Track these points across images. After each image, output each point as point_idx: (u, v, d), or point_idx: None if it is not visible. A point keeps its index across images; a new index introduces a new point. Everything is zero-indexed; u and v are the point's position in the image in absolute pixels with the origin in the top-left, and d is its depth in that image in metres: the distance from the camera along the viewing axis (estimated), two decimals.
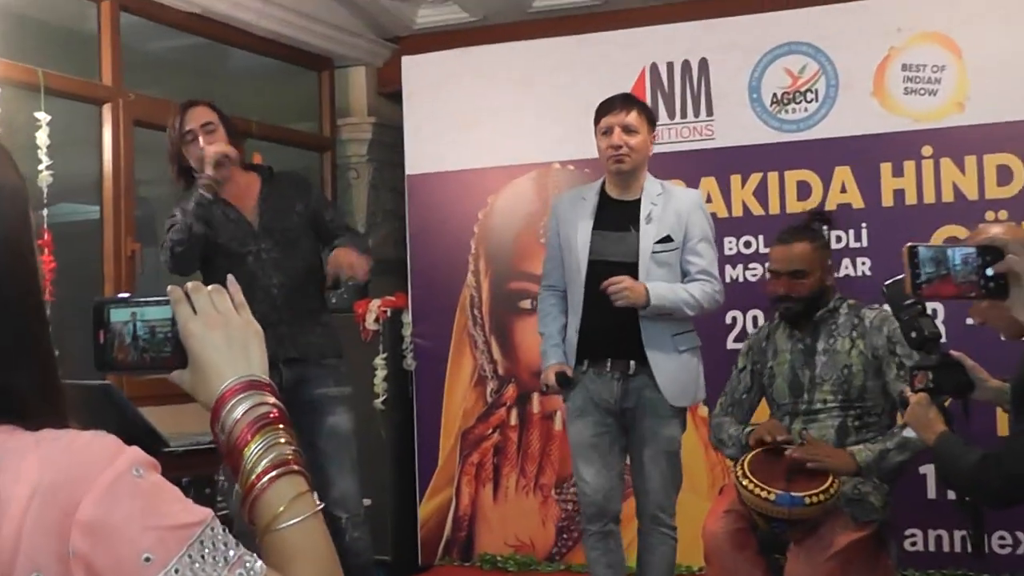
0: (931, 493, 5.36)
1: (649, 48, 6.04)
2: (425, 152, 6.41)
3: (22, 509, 1.13)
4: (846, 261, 5.56)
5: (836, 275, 5.25)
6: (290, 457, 1.35)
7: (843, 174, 5.64)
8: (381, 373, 6.30)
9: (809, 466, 4.07)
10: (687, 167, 5.85)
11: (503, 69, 6.32)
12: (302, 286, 4.67)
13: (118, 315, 1.43)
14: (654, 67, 6.02)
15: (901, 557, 4.96)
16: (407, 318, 6.39)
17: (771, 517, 4.05)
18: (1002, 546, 5.21)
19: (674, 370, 4.54)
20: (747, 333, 5.44)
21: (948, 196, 5.47)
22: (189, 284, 1.44)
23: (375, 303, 6.33)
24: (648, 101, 5.87)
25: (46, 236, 4.81)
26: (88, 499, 1.15)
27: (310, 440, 4.46)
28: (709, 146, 5.91)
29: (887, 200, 5.57)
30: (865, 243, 5.54)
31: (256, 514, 1.33)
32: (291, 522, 1.32)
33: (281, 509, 1.32)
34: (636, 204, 4.62)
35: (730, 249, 5.77)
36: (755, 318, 5.66)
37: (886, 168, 5.58)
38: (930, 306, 3.83)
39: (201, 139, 4.55)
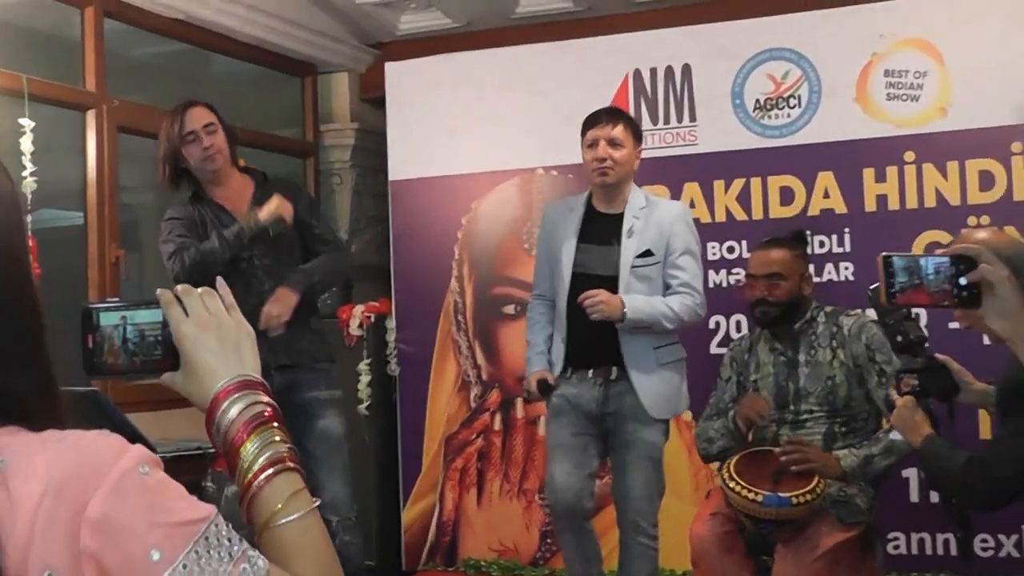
0: (914, 496, 5.39)
1: (632, 54, 6.06)
2: (409, 158, 6.42)
3: (34, 508, 1.15)
4: (829, 266, 5.59)
5: (819, 280, 5.29)
6: (285, 455, 1.38)
7: (826, 180, 5.66)
8: (365, 378, 6.32)
9: (794, 469, 4.09)
10: (670, 173, 5.88)
11: (487, 75, 6.33)
12: None
13: (107, 319, 1.44)
14: (637, 73, 6.04)
15: (884, 560, 4.98)
16: (391, 323, 6.39)
17: (758, 518, 4.06)
18: (984, 549, 5.23)
19: (654, 383, 4.57)
20: (730, 338, 5.47)
21: (931, 201, 5.50)
22: (179, 287, 1.46)
23: (359, 309, 6.34)
24: (631, 107, 5.92)
25: (30, 242, 4.80)
26: (97, 497, 1.16)
27: (300, 443, 4.39)
28: (692, 152, 5.93)
29: (870, 205, 5.60)
30: (848, 248, 5.56)
31: (254, 512, 1.35)
32: (289, 519, 1.34)
33: (279, 506, 1.34)
34: (620, 218, 4.66)
35: (713, 254, 5.79)
36: (738, 323, 5.68)
37: (869, 174, 5.60)
38: (913, 310, 3.84)
39: (204, 139, 4.59)
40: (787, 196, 5.71)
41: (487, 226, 6.28)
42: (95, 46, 5.50)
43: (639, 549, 4.57)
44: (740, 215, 5.80)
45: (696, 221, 5.54)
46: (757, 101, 5.82)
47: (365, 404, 6.29)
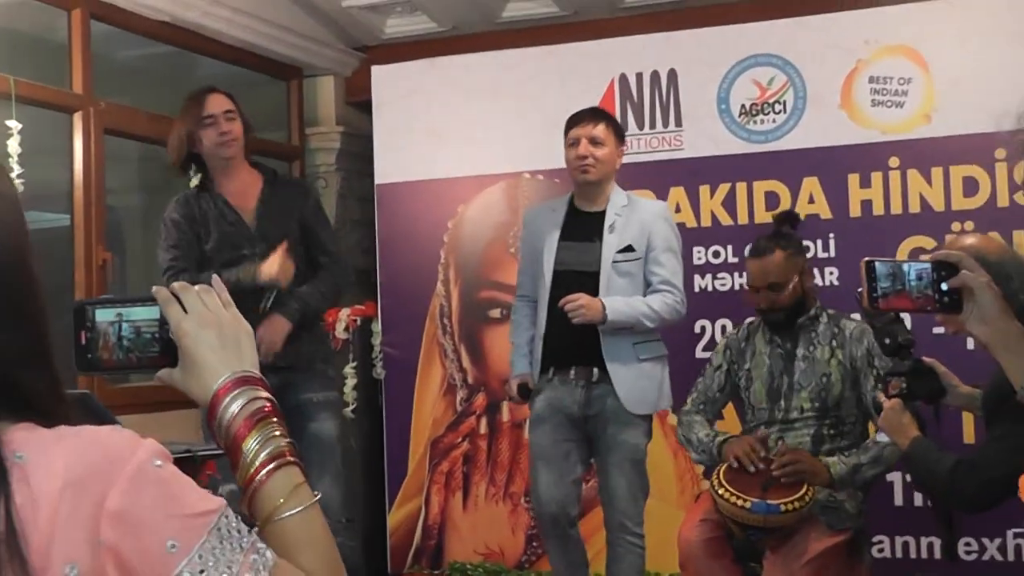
0: (898, 500, 5.41)
1: (618, 59, 6.08)
2: (395, 161, 6.42)
3: (55, 502, 1.17)
4: (814, 271, 5.59)
5: None
6: (285, 449, 1.40)
7: (811, 185, 5.69)
8: (351, 382, 6.32)
9: (783, 481, 4.11)
10: (656, 177, 5.90)
11: (473, 79, 6.34)
12: (290, 294, 4.66)
13: (103, 315, 1.46)
14: (623, 78, 6.06)
15: (872, 564, 5.00)
16: (376, 327, 6.40)
17: (747, 525, 4.08)
18: (968, 552, 5.26)
19: (633, 379, 4.61)
20: (715, 342, 5.47)
21: (915, 207, 5.53)
22: (176, 284, 1.48)
23: (345, 312, 6.34)
24: (617, 111, 5.94)
25: None
26: (115, 490, 1.19)
27: None
28: (678, 156, 5.95)
29: (855, 211, 5.62)
30: (833, 253, 5.59)
31: (257, 505, 1.38)
32: (291, 512, 1.37)
33: (281, 501, 1.37)
34: (602, 215, 4.72)
35: (699, 259, 5.81)
36: (723, 327, 5.69)
37: (854, 179, 5.63)
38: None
39: (223, 124, 4.61)
40: (772, 201, 5.73)
41: (473, 230, 6.29)
42: (82, 48, 5.49)
43: (626, 548, 4.62)
44: (726, 220, 5.82)
45: (682, 226, 5.59)
46: (743, 106, 5.85)
47: (351, 407, 6.29)
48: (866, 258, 2.20)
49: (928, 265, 2.16)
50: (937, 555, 5.31)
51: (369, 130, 6.60)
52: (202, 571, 1.20)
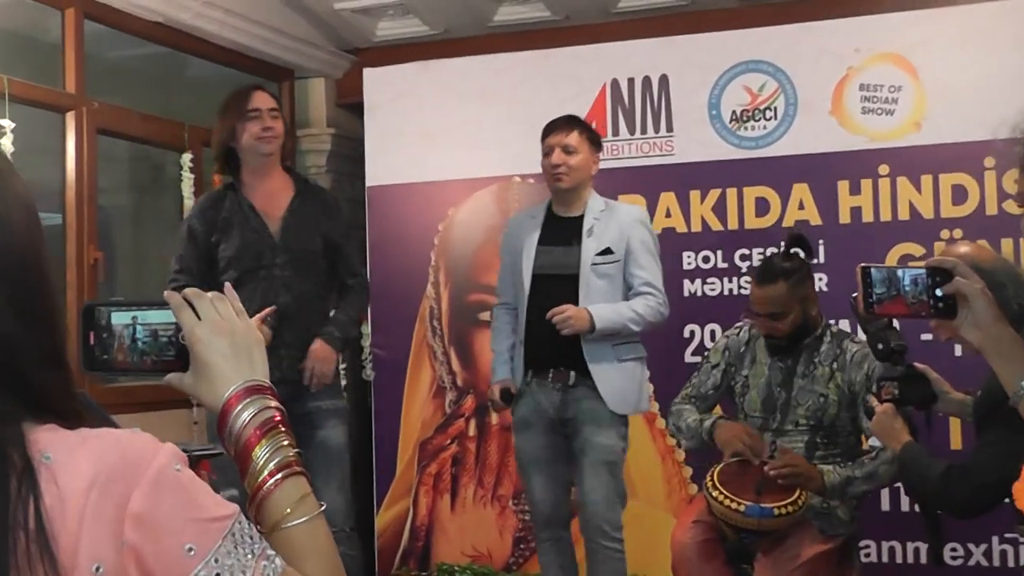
0: (885, 506, 5.44)
1: (610, 64, 6.10)
2: (386, 164, 6.44)
3: (82, 503, 1.19)
4: None
5: None
6: (293, 459, 1.43)
7: (801, 191, 5.71)
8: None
9: (780, 482, 4.12)
10: (647, 182, 5.93)
11: (465, 83, 6.35)
12: (308, 308, 4.66)
13: (118, 318, 1.47)
14: (615, 83, 6.08)
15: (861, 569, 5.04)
16: (366, 329, 6.40)
17: (740, 528, 4.10)
18: (954, 558, 5.29)
19: (616, 378, 4.68)
20: (705, 347, 5.50)
21: (904, 214, 5.56)
22: (189, 291, 1.49)
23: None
24: (609, 116, 5.97)
25: None
26: (138, 492, 1.22)
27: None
28: (669, 161, 5.97)
29: (844, 217, 5.65)
30: (822, 260, 5.59)
31: (264, 513, 1.40)
32: (298, 521, 1.39)
33: (288, 510, 1.39)
34: (580, 219, 4.80)
35: (689, 264, 5.84)
36: (712, 331, 5.71)
37: (843, 186, 5.66)
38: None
39: (267, 120, 4.65)
40: (762, 207, 5.76)
41: (464, 233, 6.31)
42: (75, 48, 5.48)
43: (605, 554, 4.64)
44: (716, 225, 5.85)
45: (672, 230, 5.64)
46: (734, 112, 5.87)
47: None
48: (862, 264, 2.22)
49: (923, 271, 2.19)
50: (923, 560, 5.34)
51: (360, 132, 6.61)
52: (217, 574, 1.23)
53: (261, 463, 1.40)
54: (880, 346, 3.61)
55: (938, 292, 2.16)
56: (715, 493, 4.12)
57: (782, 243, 4.63)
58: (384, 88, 6.51)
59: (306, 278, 4.67)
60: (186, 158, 6.09)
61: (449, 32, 6.81)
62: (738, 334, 4.65)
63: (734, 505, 4.05)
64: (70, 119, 5.47)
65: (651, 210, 5.83)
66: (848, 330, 4.78)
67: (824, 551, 4.16)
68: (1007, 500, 2.74)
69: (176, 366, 1.47)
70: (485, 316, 6.12)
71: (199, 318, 1.46)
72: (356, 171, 6.75)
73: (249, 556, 1.26)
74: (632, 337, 4.73)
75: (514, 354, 4.85)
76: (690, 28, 6.09)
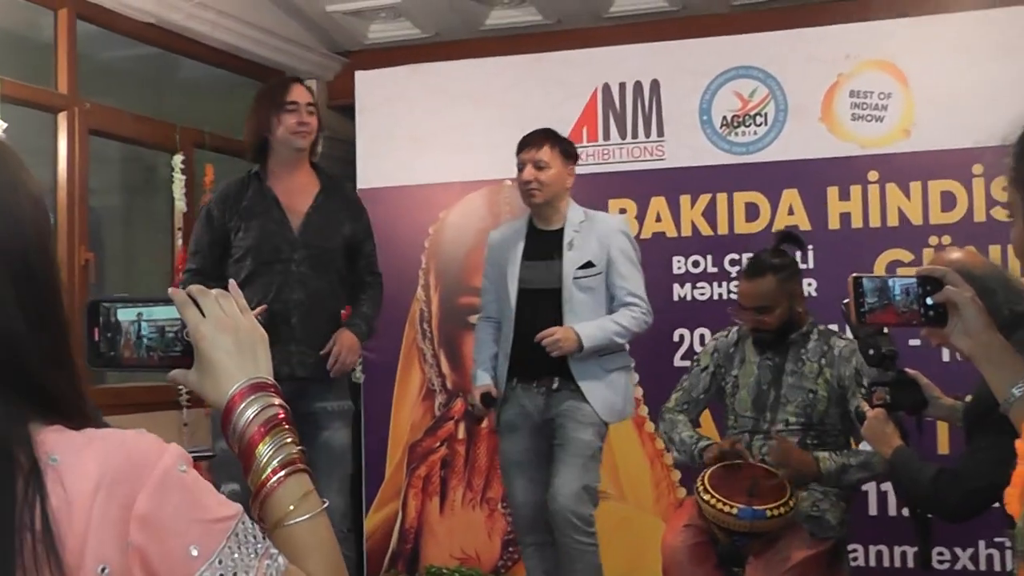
0: (872, 510, 5.46)
1: (601, 68, 6.12)
2: (377, 167, 6.44)
3: (88, 504, 1.20)
4: None
5: None
6: (296, 456, 1.43)
7: (791, 197, 5.74)
8: None
9: (771, 483, 4.15)
10: (637, 187, 5.95)
11: (456, 86, 6.36)
12: (321, 305, 4.64)
13: (124, 314, 1.48)
14: (606, 87, 6.09)
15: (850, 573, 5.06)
16: None
17: (733, 531, 4.12)
18: (941, 562, 5.31)
19: (604, 391, 4.73)
20: (694, 351, 5.52)
21: (893, 220, 5.58)
22: (193, 287, 1.49)
23: None
24: (600, 121, 5.99)
25: None
26: (143, 493, 1.22)
27: None
28: (659, 166, 5.99)
29: (833, 223, 5.67)
30: (811, 265, 5.60)
31: (267, 510, 1.40)
32: (301, 519, 1.40)
33: (291, 507, 1.39)
34: (560, 233, 4.82)
35: (679, 268, 5.86)
36: (702, 336, 5.73)
37: (833, 192, 5.68)
38: None
39: (304, 115, 4.66)
40: (752, 212, 5.78)
41: (454, 236, 6.32)
42: (67, 48, 5.48)
43: (578, 549, 4.62)
44: (706, 230, 5.86)
45: (662, 235, 5.65)
46: (724, 118, 5.89)
47: None
48: (853, 274, 2.24)
49: (913, 280, 2.20)
50: (910, 564, 5.36)
51: (351, 134, 6.61)
52: (221, 575, 1.24)
53: (264, 460, 1.40)
54: (871, 352, 3.62)
55: (928, 301, 2.18)
56: (707, 497, 4.13)
57: None
58: (375, 91, 6.51)
59: (322, 276, 4.64)
60: (177, 159, 6.08)
61: (441, 35, 6.82)
62: (727, 336, 4.69)
63: (726, 508, 4.07)
64: (62, 119, 5.47)
65: (641, 214, 5.87)
66: None
67: (814, 554, 4.18)
68: (996, 505, 2.76)
69: (183, 362, 1.48)
70: (475, 319, 6.12)
71: (203, 315, 1.46)
72: (348, 173, 6.74)
73: (252, 556, 1.27)
74: (617, 346, 4.78)
75: (496, 364, 4.88)
76: (681, 33, 6.12)
